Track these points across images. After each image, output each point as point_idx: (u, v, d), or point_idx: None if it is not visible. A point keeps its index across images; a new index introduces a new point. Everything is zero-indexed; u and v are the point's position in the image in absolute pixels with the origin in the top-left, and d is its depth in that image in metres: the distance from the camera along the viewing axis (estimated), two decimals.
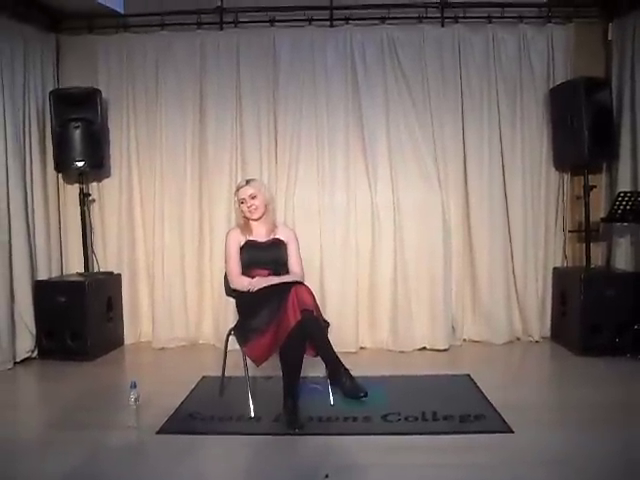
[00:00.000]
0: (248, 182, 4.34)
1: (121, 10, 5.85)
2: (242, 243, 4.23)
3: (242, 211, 4.27)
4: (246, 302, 4.08)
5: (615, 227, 5.64)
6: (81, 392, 4.61)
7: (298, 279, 4.06)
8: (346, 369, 3.67)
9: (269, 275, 4.10)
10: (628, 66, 5.54)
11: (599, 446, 3.43)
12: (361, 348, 5.77)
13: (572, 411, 4.06)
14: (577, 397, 4.31)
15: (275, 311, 3.75)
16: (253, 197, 4.23)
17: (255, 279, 4.07)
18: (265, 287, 3.97)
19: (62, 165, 5.69)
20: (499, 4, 5.81)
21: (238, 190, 4.32)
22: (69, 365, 5.28)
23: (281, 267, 4.23)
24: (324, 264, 5.73)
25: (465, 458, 3.37)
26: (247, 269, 4.18)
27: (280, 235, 4.32)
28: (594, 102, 5.39)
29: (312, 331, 3.72)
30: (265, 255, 4.21)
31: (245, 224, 4.30)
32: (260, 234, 4.28)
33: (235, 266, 4.21)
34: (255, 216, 4.24)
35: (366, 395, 3.63)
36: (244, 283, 4.10)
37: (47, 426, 3.94)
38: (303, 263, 4.35)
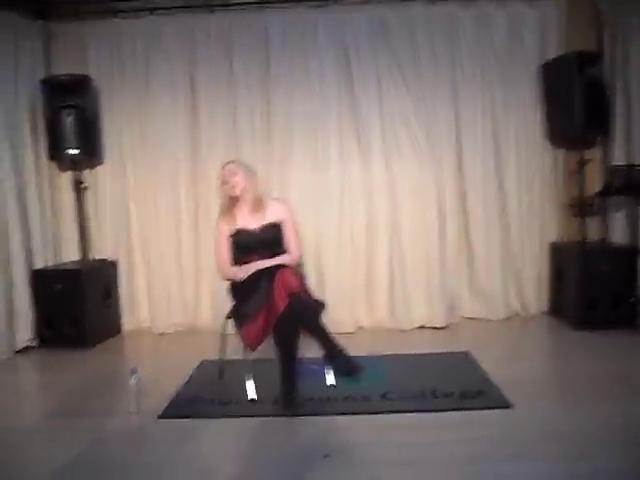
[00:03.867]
0: (227, 163, 4.34)
1: None
2: (232, 232, 4.19)
3: (225, 192, 4.24)
4: (237, 288, 4.09)
5: (610, 201, 5.65)
6: (81, 379, 4.63)
7: (287, 261, 4.05)
8: (341, 348, 3.66)
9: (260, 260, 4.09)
10: (620, 40, 5.52)
11: (598, 419, 3.46)
12: (359, 328, 5.80)
13: (570, 385, 4.11)
14: (575, 371, 4.35)
15: (264, 296, 3.75)
16: (233, 174, 4.21)
17: (242, 267, 4.06)
18: (253, 273, 3.97)
19: (55, 153, 5.67)
20: None
21: (219, 172, 4.31)
22: (68, 353, 5.29)
23: (277, 248, 4.19)
24: (320, 246, 5.74)
25: (466, 434, 3.39)
26: (241, 257, 4.15)
27: (271, 216, 4.23)
28: (587, 76, 5.38)
29: (300, 314, 3.70)
30: (257, 242, 4.15)
31: (230, 207, 4.24)
32: (248, 219, 4.20)
33: (223, 257, 4.20)
34: (237, 192, 4.19)
35: (363, 372, 3.63)
36: (231, 273, 4.12)
37: (48, 414, 3.96)
38: (301, 239, 4.35)
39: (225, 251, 4.19)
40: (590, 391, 3.93)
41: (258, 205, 4.24)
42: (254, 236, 4.16)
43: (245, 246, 4.15)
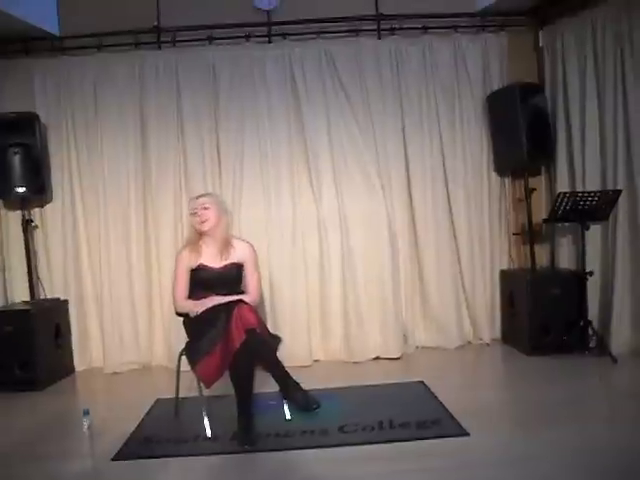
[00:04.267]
0: (203, 195, 4.30)
1: (56, 32, 5.77)
2: (193, 266, 4.13)
3: (193, 224, 4.18)
4: (193, 324, 4.04)
5: (557, 228, 5.79)
6: (33, 423, 4.50)
7: (243, 298, 3.99)
8: (296, 383, 3.67)
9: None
10: (560, 71, 5.72)
11: (555, 444, 3.50)
12: (315, 361, 5.77)
13: (526, 411, 4.16)
14: (530, 397, 4.40)
15: (221, 331, 3.72)
16: (205, 208, 4.13)
17: (198, 302, 4.02)
18: (210, 307, 3.94)
19: (2, 192, 5.59)
20: (434, 15, 5.92)
21: (191, 201, 4.25)
22: (19, 396, 5.14)
23: (236, 288, 4.17)
24: (273, 278, 5.72)
25: (424, 463, 3.40)
26: (198, 293, 4.11)
27: (235, 256, 4.19)
28: (530, 106, 5.54)
29: (257, 350, 3.70)
30: (217, 280, 4.10)
31: (196, 241, 4.18)
32: (212, 256, 4.15)
33: (181, 290, 4.15)
34: (206, 227, 4.11)
35: (319, 406, 3.63)
36: (187, 307, 4.07)
37: (0, 459, 3.84)
38: (260, 279, 4.34)
39: (183, 283, 4.15)
40: (546, 416, 3.98)
41: (225, 245, 4.18)
42: (215, 274, 4.11)
43: (204, 283, 4.11)
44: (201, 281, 4.13)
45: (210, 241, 4.18)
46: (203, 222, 4.11)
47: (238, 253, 4.21)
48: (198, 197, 4.28)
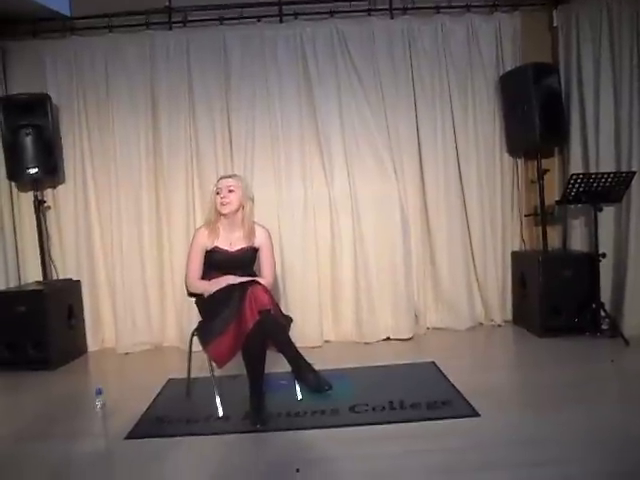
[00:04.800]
0: (231, 176, 4.26)
1: (67, 13, 5.76)
2: (208, 248, 4.11)
3: (215, 203, 4.11)
4: (206, 304, 4.04)
5: (569, 209, 5.76)
6: (46, 402, 4.55)
7: (257, 279, 3.98)
8: (308, 364, 3.68)
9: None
10: (574, 51, 5.66)
11: (565, 425, 3.51)
12: (326, 342, 5.79)
13: (536, 392, 4.16)
14: (540, 378, 4.40)
15: (234, 312, 3.72)
16: (230, 190, 4.08)
17: (210, 282, 4.02)
18: (223, 288, 3.93)
19: (15, 173, 5.60)
20: None
21: (218, 181, 4.18)
22: (32, 375, 5.19)
23: (249, 272, 4.15)
24: (284, 260, 5.73)
25: (434, 444, 3.41)
26: (210, 275, 4.09)
27: (255, 241, 4.17)
28: (543, 87, 5.49)
29: (271, 330, 3.71)
30: (231, 263, 4.08)
31: (215, 221, 4.13)
32: (228, 240, 4.13)
33: (194, 269, 4.12)
34: (225, 210, 4.05)
35: (330, 388, 3.65)
36: (201, 287, 4.06)
37: (14, 438, 3.87)
38: (275, 264, 4.31)
39: (197, 263, 4.12)
40: (556, 397, 3.98)
41: (250, 231, 4.15)
42: (228, 258, 4.10)
43: (217, 265, 4.09)
44: (214, 263, 4.11)
45: (227, 224, 4.14)
46: (224, 205, 4.06)
47: (255, 237, 4.19)
48: (225, 177, 4.23)
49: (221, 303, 3.84)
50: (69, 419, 4.12)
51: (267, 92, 5.79)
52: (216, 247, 4.11)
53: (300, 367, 3.68)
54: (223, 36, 5.81)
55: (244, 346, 3.74)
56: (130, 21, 5.85)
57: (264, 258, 4.22)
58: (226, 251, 4.11)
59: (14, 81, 5.89)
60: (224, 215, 4.10)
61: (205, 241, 4.11)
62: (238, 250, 4.13)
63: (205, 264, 4.14)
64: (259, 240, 4.20)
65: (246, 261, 4.16)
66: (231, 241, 4.13)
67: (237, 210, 4.10)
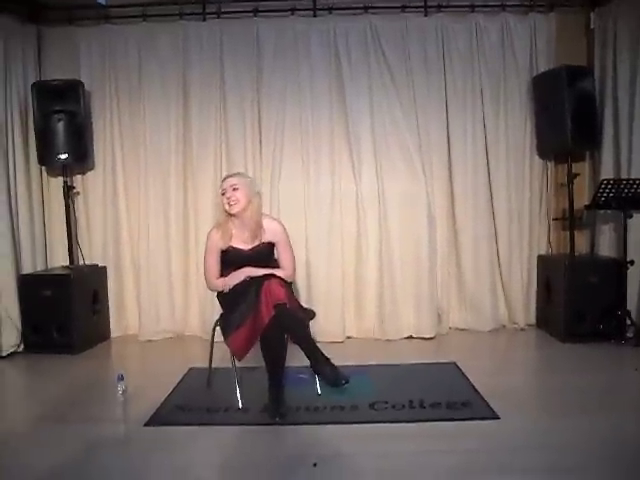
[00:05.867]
0: (234, 174, 4.23)
1: (103, 1, 5.79)
2: (223, 248, 4.08)
3: (223, 204, 4.07)
4: (226, 297, 4.05)
5: (598, 214, 5.69)
6: (68, 386, 4.60)
7: (279, 274, 3.96)
8: (326, 357, 3.67)
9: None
10: (610, 54, 5.57)
11: (585, 432, 3.47)
12: (348, 338, 5.79)
13: (557, 397, 4.11)
14: (562, 383, 4.35)
15: (251, 305, 3.73)
16: (235, 189, 4.02)
17: (228, 277, 4.02)
18: (242, 281, 3.95)
19: (45, 158, 5.66)
20: None
21: (222, 182, 4.15)
22: (55, 359, 5.26)
23: (268, 266, 4.10)
24: (310, 254, 5.74)
25: (452, 444, 3.39)
26: (228, 272, 4.07)
27: (266, 236, 4.13)
28: (576, 90, 5.42)
29: (287, 324, 3.71)
30: (248, 261, 4.04)
31: (225, 222, 4.09)
32: (241, 238, 4.09)
33: (212, 269, 4.10)
34: (234, 210, 4.00)
35: (347, 382, 3.62)
36: (219, 285, 4.06)
37: (34, 420, 3.92)
38: (293, 254, 4.24)
39: (214, 264, 4.10)
40: (577, 403, 3.94)
41: (256, 227, 4.09)
42: (245, 257, 4.07)
43: (235, 264, 4.07)
44: (231, 262, 4.09)
45: (239, 223, 4.09)
46: (232, 204, 4.02)
47: (268, 234, 4.14)
48: (227, 177, 4.19)
49: (239, 297, 3.86)
50: (90, 404, 4.17)
51: (298, 86, 5.80)
52: (231, 247, 4.08)
53: (317, 360, 3.66)
54: (256, 28, 5.82)
55: (261, 340, 3.75)
56: (164, 11, 5.89)
57: (282, 251, 4.18)
58: (241, 250, 4.08)
59: (48, 66, 5.97)
60: (234, 215, 4.05)
61: (218, 243, 4.09)
62: (253, 248, 4.10)
63: (222, 263, 4.12)
64: (273, 234, 4.15)
65: (263, 257, 4.12)
66: (245, 240, 4.10)
67: (246, 207, 4.04)
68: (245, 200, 4.03)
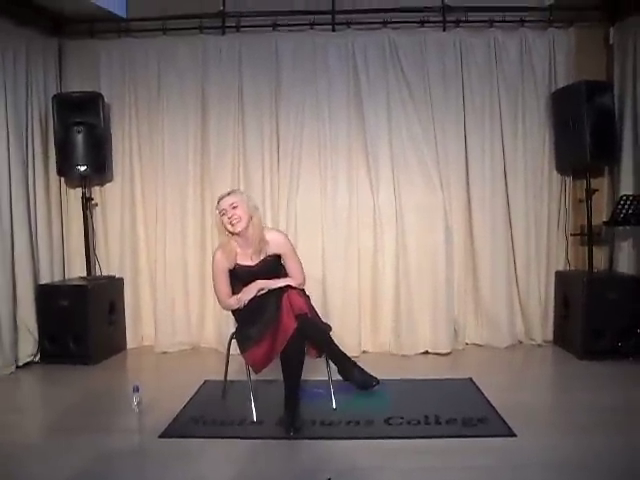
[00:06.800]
0: (229, 193, 4.13)
1: (124, 14, 5.86)
2: (230, 268, 4.06)
3: (224, 224, 4.01)
4: (242, 311, 4.03)
5: (617, 230, 5.64)
6: (83, 396, 4.61)
7: (291, 283, 3.97)
8: (353, 362, 3.71)
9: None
10: (630, 70, 5.54)
11: (601, 450, 3.43)
12: (363, 352, 5.76)
13: (574, 415, 4.06)
14: (579, 401, 4.30)
15: (271, 320, 3.74)
16: (234, 207, 3.96)
17: (240, 293, 3.99)
18: (258, 295, 3.95)
19: (64, 169, 5.71)
20: (500, 8, 5.80)
21: (218, 202, 4.07)
22: (71, 369, 5.28)
23: (277, 277, 4.11)
24: (326, 268, 5.74)
25: (468, 461, 3.37)
26: (239, 289, 4.05)
27: (271, 249, 4.09)
28: (596, 106, 5.39)
29: (311, 334, 3.73)
30: (257, 277, 4.01)
31: (227, 242, 4.04)
32: (247, 255, 4.06)
33: (223, 291, 4.07)
34: (238, 229, 3.95)
35: (378, 382, 3.69)
36: (233, 304, 4.03)
37: (49, 430, 3.94)
38: (303, 264, 4.21)
39: (224, 285, 4.08)
40: (594, 422, 3.89)
41: (260, 243, 4.05)
42: (253, 272, 4.04)
43: (244, 281, 4.05)
44: (240, 280, 4.07)
45: (242, 241, 4.05)
46: (235, 223, 3.96)
47: (272, 246, 4.10)
48: (224, 197, 4.09)
49: (257, 310, 3.86)
50: (105, 414, 4.18)
51: (316, 100, 5.81)
52: (237, 265, 4.06)
53: (345, 365, 3.70)
54: (275, 42, 5.85)
55: (284, 352, 3.73)
56: (184, 25, 5.93)
57: (288, 260, 4.15)
58: (248, 266, 4.05)
59: (69, 78, 6.03)
60: (238, 234, 4.01)
61: (224, 264, 4.06)
62: (259, 263, 4.07)
63: (232, 281, 4.11)
64: (277, 246, 4.12)
65: (271, 270, 4.09)
66: (250, 256, 4.07)
67: (248, 224, 4.00)
68: (246, 217, 3.99)
